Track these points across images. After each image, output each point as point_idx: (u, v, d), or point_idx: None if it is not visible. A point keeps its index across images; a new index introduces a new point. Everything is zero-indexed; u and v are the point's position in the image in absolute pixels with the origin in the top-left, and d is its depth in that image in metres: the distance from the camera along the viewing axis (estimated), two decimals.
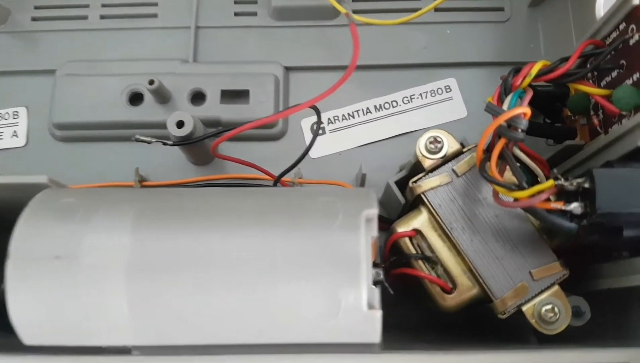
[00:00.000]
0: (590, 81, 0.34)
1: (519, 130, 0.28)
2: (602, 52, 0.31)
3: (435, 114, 0.44)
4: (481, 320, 0.37)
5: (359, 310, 0.24)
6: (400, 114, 0.45)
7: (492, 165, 0.28)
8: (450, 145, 0.33)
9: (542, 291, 0.30)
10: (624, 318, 0.34)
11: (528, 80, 0.30)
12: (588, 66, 0.34)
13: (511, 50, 0.45)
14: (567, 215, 0.27)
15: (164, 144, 0.38)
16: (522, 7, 0.46)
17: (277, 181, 0.38)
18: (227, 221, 0.26)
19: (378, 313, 0.25)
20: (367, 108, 0.45)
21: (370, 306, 0.25)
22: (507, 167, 0.30)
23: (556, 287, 0.30)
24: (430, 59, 0.46)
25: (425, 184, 0.33)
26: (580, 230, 0.28)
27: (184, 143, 0.38)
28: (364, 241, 0.25)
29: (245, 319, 0.24)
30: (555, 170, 0.32)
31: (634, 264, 0.28)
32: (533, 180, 0.31)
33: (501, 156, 0.29)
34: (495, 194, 0.28)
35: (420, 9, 0.42)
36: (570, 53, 0.32)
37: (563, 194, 0.28)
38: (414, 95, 0.45)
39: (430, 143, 0.33)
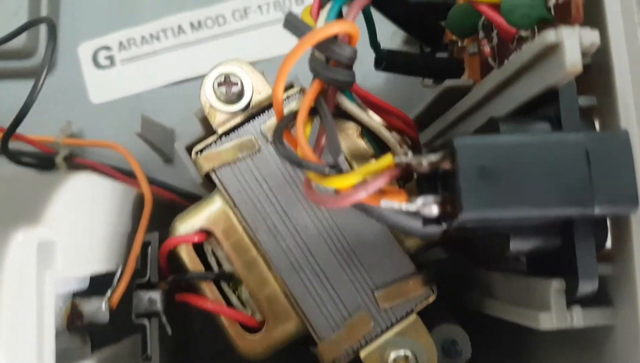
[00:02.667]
0: None
1: (343, 65, 0.17)
2: None
3: (279, 39, 0.32)
4: None
5: None
6: (228, 36, 0.32)
7: (298, 126, 0.17)
8: (256, 88, 0.22)
9: (390, 326, 0.21)
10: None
11: None
12: None
13: None
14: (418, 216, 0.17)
15: None
16: None
17: (3, 145, 0.26)
18: None
19: None
20: (180, 27, 0.32)
21: None
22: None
23: (413, 318, 0.21)
24: None
25: (214, 155, 0.21)
26: (447, 232, 0.18)
27: None
28: None
29: None
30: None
31: (532, 291, 0.19)
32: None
33: (315, 111, 0.18)
34: (307, 182, 0.18)
35: None
36: None
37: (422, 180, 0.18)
38: (249, 8, 0.33)
39: (220, 84, 0.21)
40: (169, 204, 0.30)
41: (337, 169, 0.17)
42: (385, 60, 0.24)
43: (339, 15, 0.18)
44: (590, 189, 0.16)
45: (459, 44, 0.26)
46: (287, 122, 0.18)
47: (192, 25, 0.32)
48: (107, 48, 0.32)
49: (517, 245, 0.17)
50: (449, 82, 0.24)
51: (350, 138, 0.22)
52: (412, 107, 0.30)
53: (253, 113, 0.22)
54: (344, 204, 0.16)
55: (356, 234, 0.21)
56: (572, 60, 0.16)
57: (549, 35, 0.16)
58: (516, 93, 0.19)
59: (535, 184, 0.16)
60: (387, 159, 0.17)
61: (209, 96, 0.21)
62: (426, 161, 0.16)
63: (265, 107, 0.22)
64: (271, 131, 0.21)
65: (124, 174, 0.30)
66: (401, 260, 0.21)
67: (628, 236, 0.17)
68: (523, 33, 0.20)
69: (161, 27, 0.32)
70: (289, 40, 0.35)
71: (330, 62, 0.18)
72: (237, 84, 0.21)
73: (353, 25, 0.17)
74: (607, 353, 0.18)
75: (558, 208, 0.16)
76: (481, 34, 0.23)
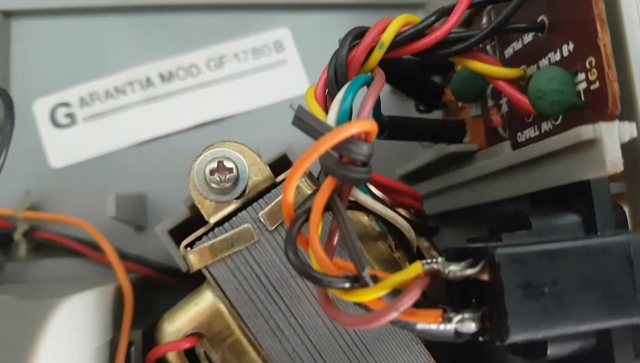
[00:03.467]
0: (489, 48, 0.22)
1: (358, 162, 0.16)
2: None
3: (258, 90, 0.31)
4: None
5: None
6: (203, 88, 0.30)
7: (312, 234, 0.16)
8: (251, 172, 0.20)
9: None
10: None
11: (378, 55, 0.17)
12: (484, 21, 0.22)
13: None
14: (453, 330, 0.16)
15: None
16: None
17: None
18: None
19: None
20: (148, 78, 0.30)
21: None
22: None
23: None
24: None
25: (207, 251, 0.19)
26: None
27: None
28: None
29: None
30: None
31: None
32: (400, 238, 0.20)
33: (329, 208, 0.16)
34: (323, 295, 0.16)
35: None
36: None
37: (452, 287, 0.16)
38: (224, 57, 0.31)
39: (213, 171, 0.19)
40: (145, 278, 0.27)
41: (362, 284, 0.15)
42: (387, 129, 0.22)
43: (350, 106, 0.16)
44: (634, 297, 0.15)
45: (459, 104, 0.25)
46: (298, 228, 0.16)
47: (162, 76, 0.30)
48: (67, 105, 0.29)
49: (555, 351, 0.16)
50: (453, 148, 0.23)
51: (354, 215, 0.21)
52: (404, 159, 0.29)
53: (249, 199, 0.20)
54: (373, 326, 0.15)
55: (371, 331, 0.19)
56: (613, 159, 0.15)
57: (586, 132, 0.15)
58: (539, 178, 0.18)
59: (579, 297, 0.15)
60: (416, 268, 0.15)
61: (199, 186, 0.19)
62: (461, 273, 0.15)
63: (262, 191, 0.20)
64: (271, 220, 0.19)
65: (91, 248, 0.27)
66: (420, 356, 0.20)
67: None
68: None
69: (127, 79, 0.30)
70: (269, 92, 0.33)
71: (344, 159, 0.16)
72: (231, 170, 0.19)
73: (371, 123, 0.15)
74: None
75: (603, 322, 0.15)
76: (490, 102, 0.22)
